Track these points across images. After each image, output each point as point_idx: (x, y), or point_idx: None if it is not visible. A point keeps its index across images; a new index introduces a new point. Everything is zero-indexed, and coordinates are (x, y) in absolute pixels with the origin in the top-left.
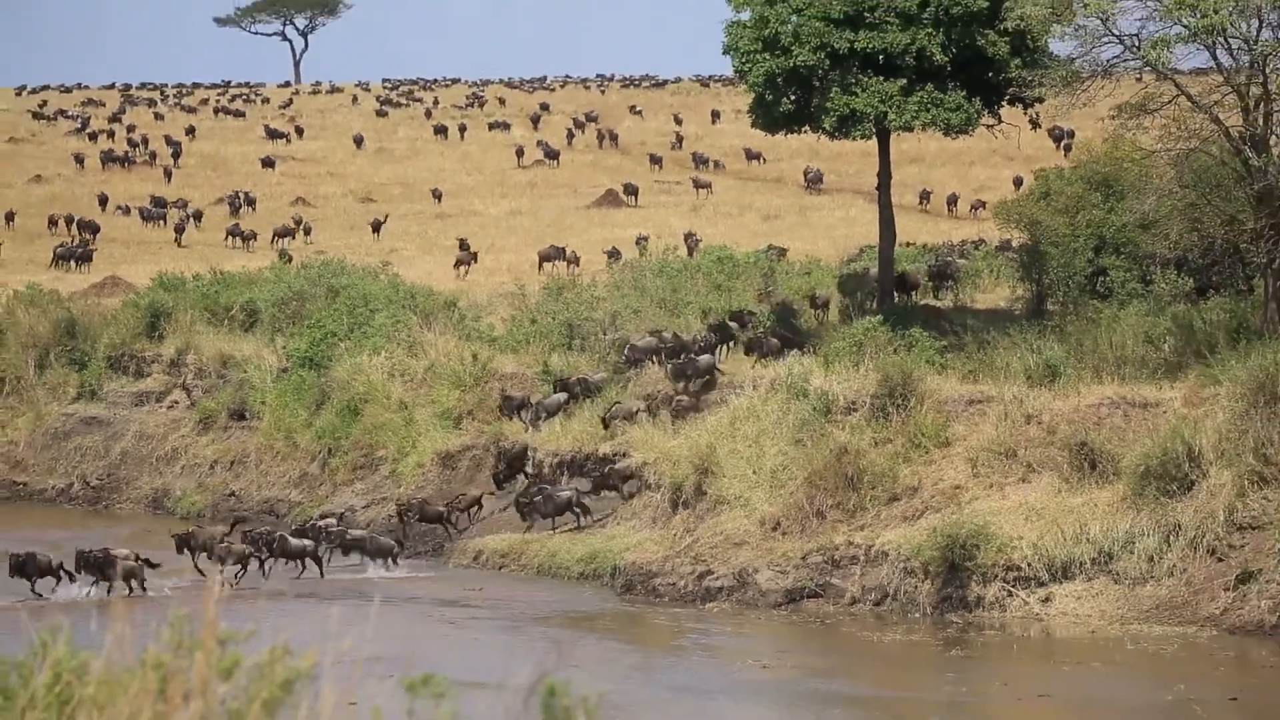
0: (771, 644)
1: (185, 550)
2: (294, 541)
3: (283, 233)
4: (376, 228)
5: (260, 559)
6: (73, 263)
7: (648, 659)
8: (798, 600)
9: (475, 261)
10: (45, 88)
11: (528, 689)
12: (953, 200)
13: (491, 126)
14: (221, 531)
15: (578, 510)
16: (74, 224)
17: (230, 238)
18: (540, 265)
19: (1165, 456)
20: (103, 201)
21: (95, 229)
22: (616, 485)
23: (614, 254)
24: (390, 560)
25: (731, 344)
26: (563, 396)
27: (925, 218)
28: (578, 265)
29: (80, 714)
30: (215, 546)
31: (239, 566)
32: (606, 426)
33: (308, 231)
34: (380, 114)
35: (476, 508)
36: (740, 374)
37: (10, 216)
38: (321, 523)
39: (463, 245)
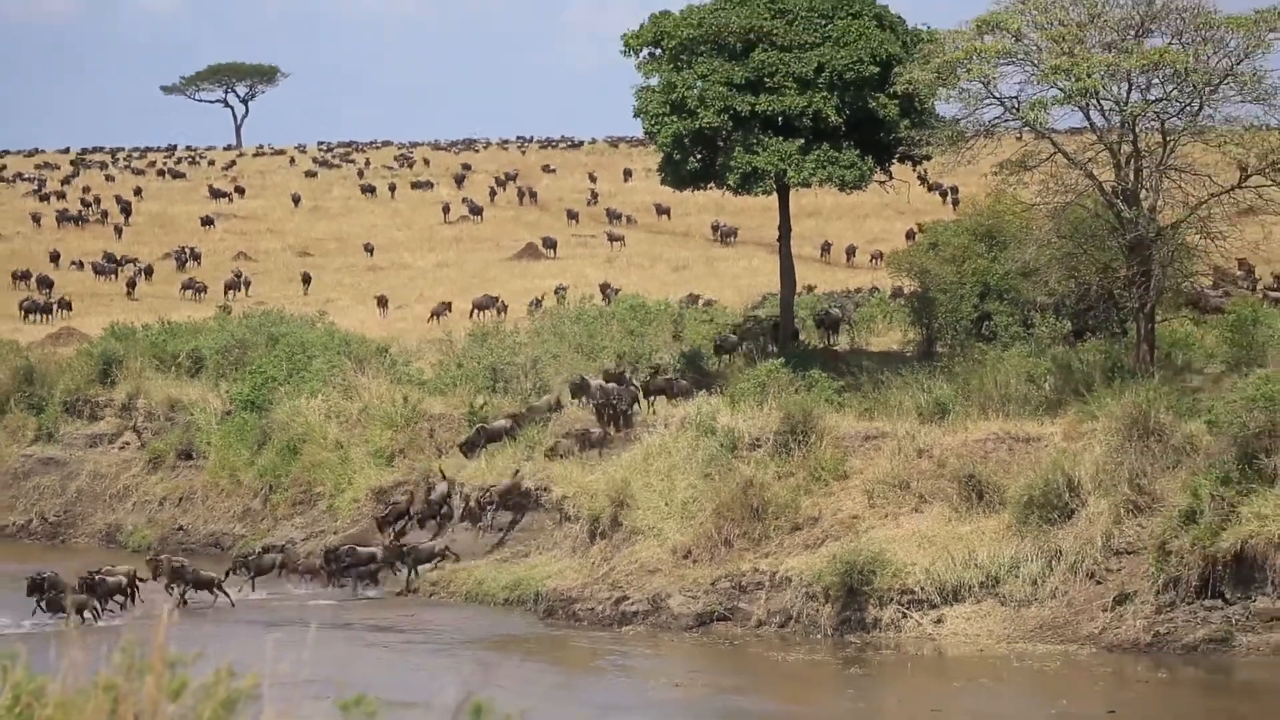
0: (684, 664)
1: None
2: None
3: (232, 284)
4: (307, 280)
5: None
6: (38, 315)
7: (568, 679)
8: (708, 623)
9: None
10: (5, 153)
11: (455, 708)
12: (851, 251)
13: (419, 185)
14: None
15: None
16: (31, 279)
17: (184, 290)
18: (472, 313)
19: (1047, 487)
20: (54, 258)
21: (50, 283)
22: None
23: (537, 303)
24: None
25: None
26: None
27: (826, 267)
28: (505, 313)
29: None
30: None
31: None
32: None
33: (248, 285)
34: (315, 174)
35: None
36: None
37: (18, 275)
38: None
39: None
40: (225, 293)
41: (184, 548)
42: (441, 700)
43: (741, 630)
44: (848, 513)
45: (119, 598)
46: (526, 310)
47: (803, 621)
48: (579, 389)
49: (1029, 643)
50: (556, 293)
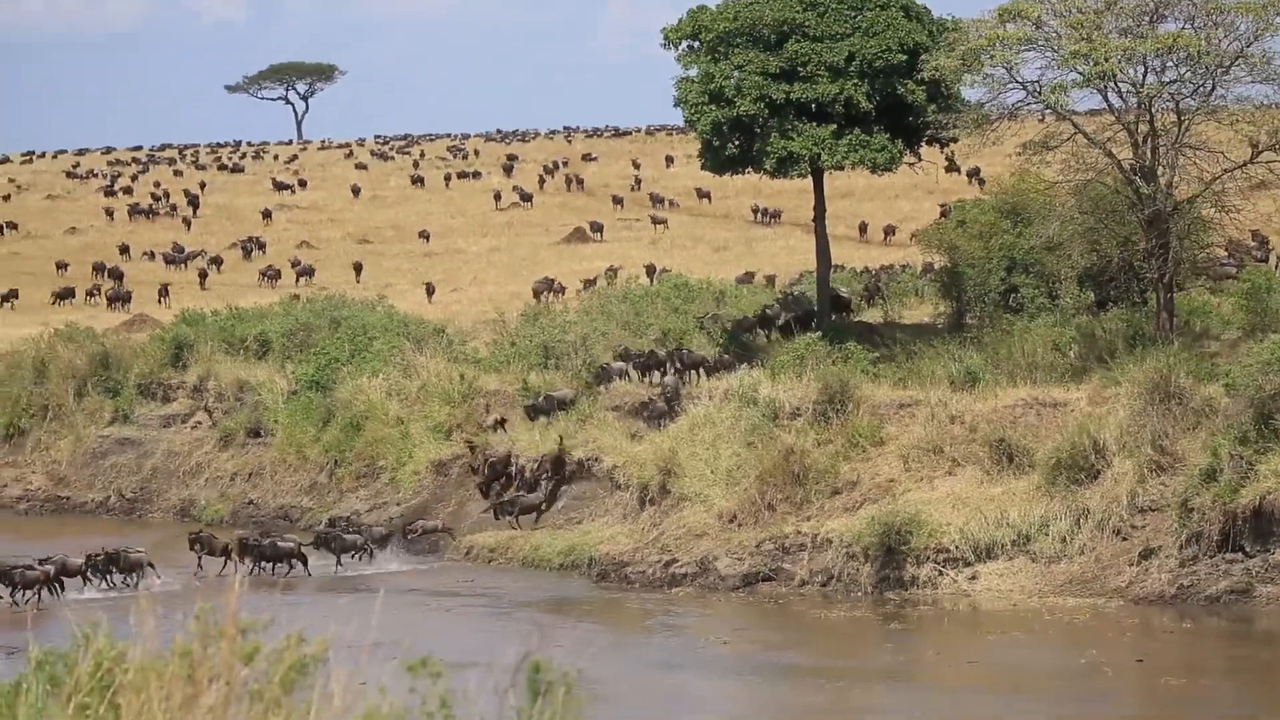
0: (731, 623)
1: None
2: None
3: (303, 271)
4: (358, 269)
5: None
6: (118, 304)
7: (621, 639)
8: (753, 584)
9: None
10: (80, 151)
11: (514, 667)
12: (890, 230)
13: (471, 175)
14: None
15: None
16: (105, 271)
17: (261, 278)
18: (536, 295)
19: (1074, 449)
20: (124, 250)
21: (121, 274)
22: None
23: (589, 284)
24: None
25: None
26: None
27: (860, 246)
28: (563, 294)
29: (120, 698)
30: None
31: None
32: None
33: (310, 273)
34: (370, 167)
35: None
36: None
37: (62, 265)
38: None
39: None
40: (296, 280)
41: (254, 520)
42: (502, 660)
43: (785, 589)
44: (885, 477)
45: (134, 574)
46: (579, 291)
47: (843, 580)
48: (601, 375)
49: (1059, 597)
50: (608, 274)
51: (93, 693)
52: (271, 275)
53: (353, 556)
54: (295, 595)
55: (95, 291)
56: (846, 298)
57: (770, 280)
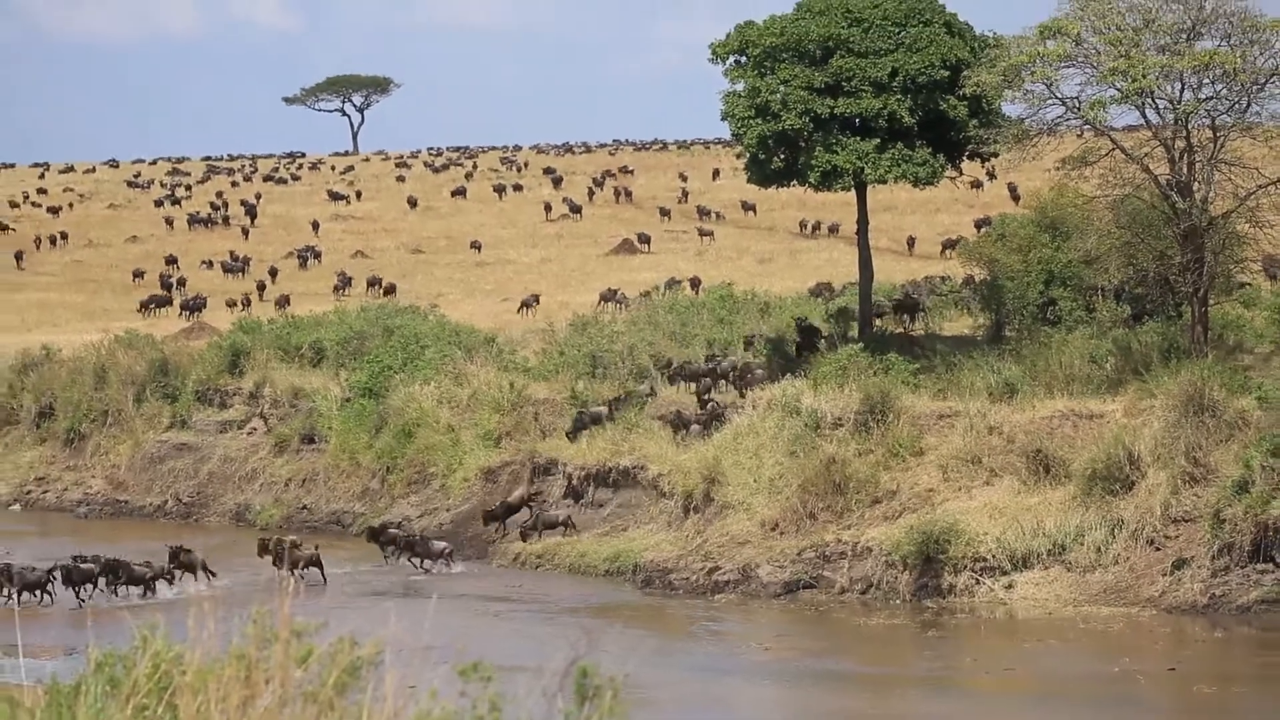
0: (772, 629)
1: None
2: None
3: (373, 281)
4: (391, 291)
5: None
6: (191, 312)
7: (666, 644)
8: (794, 591)
9: (536, 303)
10: (139, 161)
11: (563, 671)
12: (951, 244)
13: (522, 186)
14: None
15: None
16: (174, 282)
17: (336, 291)
18: (600, 303)
19: (1109, 460)
20: (171, 260)
21: (183, 282)
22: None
23: (646, 294)
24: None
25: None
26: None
27: (901, 258)
28: (625, 304)
29: (178, 699)
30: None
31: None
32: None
33: (382, 286)
34: (426, 177)
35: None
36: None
37: (139, 274)
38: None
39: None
40: (367, 288)
41: (308, 525)
42: (551, 665)
43: (826, 597)
44: (924, 486)
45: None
46: (638, 300)
47: (883, 588)
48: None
49: (1094, 606)
50: (669, 285)
51: (151, 694)
52: (345, 281)
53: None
54: (345, 599)
55: (167, 301)
56: (815, 327)
57: (826, 289)
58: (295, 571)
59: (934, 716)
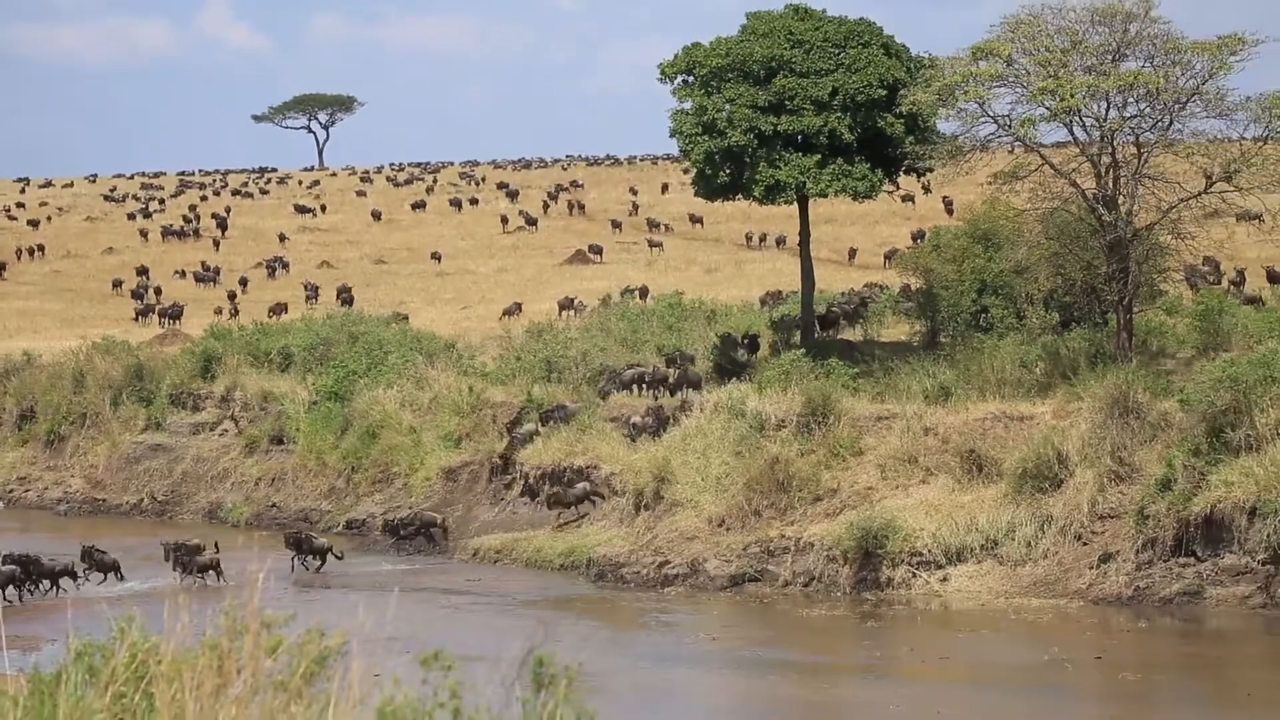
0: (719, 620)
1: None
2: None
3: (342, 290)
4: (349, 302)
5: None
6: (173, 319)
7: (618, 634)
8: (740, 584)
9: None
10: (117, 175)
11: (520, 660)
12: (891, 254)
13: (479, 200)
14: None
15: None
16: (144, 291)
17: (307, 301)
18: (560, 311)
19: (1039, 460)
20: (143, 271)
21: (158, 290)
22: (568, 502)
23: (605, 301)
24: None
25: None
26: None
27: (842, 268)
28: (584, 310)
29: (154, 687)
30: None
31: None
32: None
33: (340, 297)
34: (388, 191)
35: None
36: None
37: (117, 283)
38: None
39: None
40: (337, 296)
41: (277, 522)
42: (508, 654)
43: (770, 590)
44: (863, 484)
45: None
46: (596, 308)
47: (824, 581)
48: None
49: (1024, 598)
50: (625, 294)
51: (128, 682)
52: (313, 290)
53: None
54: (313, 591)
55: (150, 310)
56: (756, 336)
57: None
58: (195, 576)
59: (872, 703)
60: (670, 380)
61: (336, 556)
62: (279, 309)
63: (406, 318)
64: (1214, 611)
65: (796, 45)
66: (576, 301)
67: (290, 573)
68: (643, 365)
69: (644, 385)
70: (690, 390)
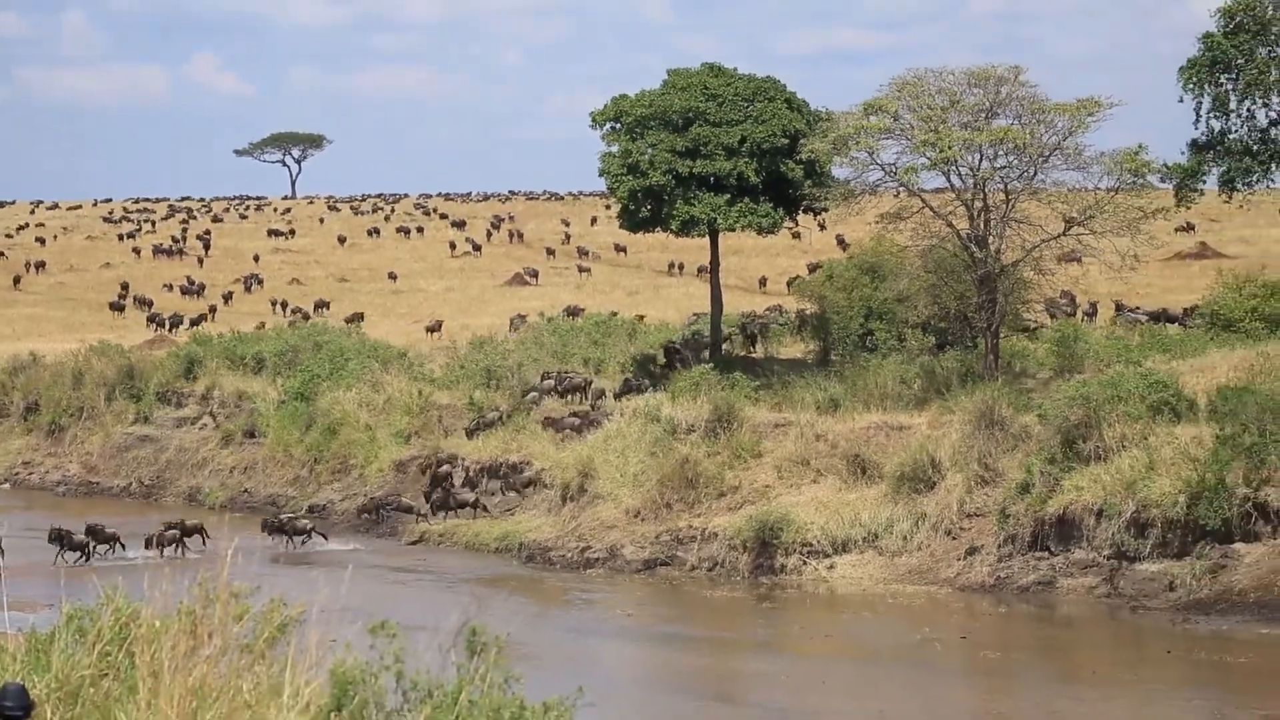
0: (634, 599)
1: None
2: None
3: (317, 304)
4: (320, 306)
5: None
6: (172, 327)
7: (545, 609)
8: (653, 568)
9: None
10: (113, 200)
11: (456, 630)
12: (791, 282)
13: (426, 229)
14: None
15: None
16: (127, 302)
17: (290, 315)
18: (511, 325)
19: (915, 464)
20: (126, 287)
21: (150, 302)
22: (517, 487)
23: (542, 317)
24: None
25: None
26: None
27: (748, 294)
28: (524, 322)
29: (135, 648)
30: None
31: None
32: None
33: (301, 313)
34: (351, 219)
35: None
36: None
37: (125, 286)
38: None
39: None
40: (314, 309)
41: (248, 506)
42: (446, 625)
43: (679, 573)
44: (761, 483)
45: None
46: (536, 324)
47: (726, 567)
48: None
49: (901, 584)
50: (566, 312)
51: (112, 643)
52: (297, 310)
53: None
54: (278, 567)
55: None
56: (679, 348)
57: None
58: (75, 555)
59: (766, 674)
60: (586, 387)
61: (322, 536)
62: (260, 326)
63: (362, 316)
64: (1064, 599)
65: (711, 99)
66: (529, 318)
67: (255, 552)
68: (572, 374)
69: (559, 392)
70: (579, 396)
